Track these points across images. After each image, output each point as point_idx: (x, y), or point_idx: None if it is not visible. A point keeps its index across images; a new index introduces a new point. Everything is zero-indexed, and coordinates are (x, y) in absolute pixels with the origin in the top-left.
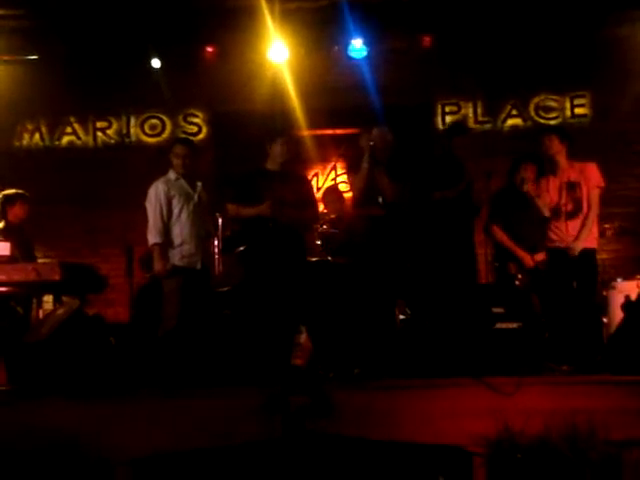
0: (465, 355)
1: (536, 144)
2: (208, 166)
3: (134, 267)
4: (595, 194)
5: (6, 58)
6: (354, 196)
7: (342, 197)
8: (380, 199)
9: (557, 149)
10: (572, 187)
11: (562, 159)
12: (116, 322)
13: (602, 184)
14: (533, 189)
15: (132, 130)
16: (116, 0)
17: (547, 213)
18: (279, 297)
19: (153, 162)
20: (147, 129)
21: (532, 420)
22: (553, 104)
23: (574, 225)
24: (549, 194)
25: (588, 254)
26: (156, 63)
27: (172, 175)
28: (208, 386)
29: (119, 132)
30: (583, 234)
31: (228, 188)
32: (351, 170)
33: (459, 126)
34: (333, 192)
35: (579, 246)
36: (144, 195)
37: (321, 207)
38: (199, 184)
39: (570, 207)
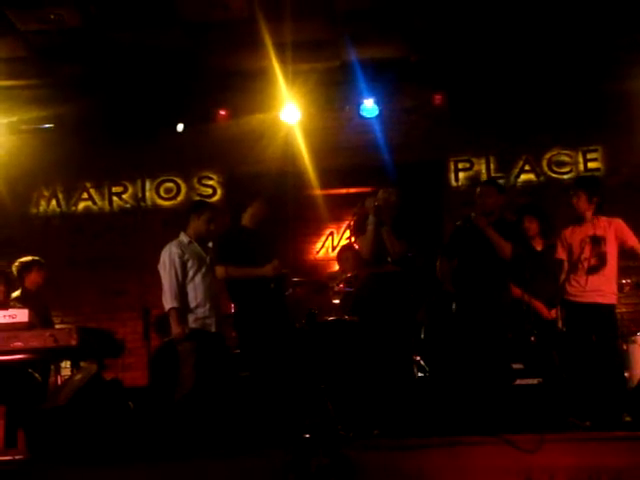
0: (486, 412)
1: (549, 199)
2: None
3: (151, 330)
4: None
5: (23, 128)
6: (363, 256)
7: (358, 255)
8: (389, 258)
9: (584, 207)
10: (597, 241)
11: (589, 214)
12: (134, 386)
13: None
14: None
15: (147, 194)
16: (129, 66)
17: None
18: (296, 357)
19: (169, 225)
20: (162, 192)
21: (556, 478)
22: (566, 159)
23: (593, 280)
24: (572, 246)
25: (608, 309)
26: (180, 127)
27: (185, 238)
28: (227, 449)
29: (135, 196)
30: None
31: (215, 249)
32: (358, 231)
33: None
34: (348, 250)
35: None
36: (160, 258)
37: (336, 266)
38: (210, 245)
39: (593, 262)
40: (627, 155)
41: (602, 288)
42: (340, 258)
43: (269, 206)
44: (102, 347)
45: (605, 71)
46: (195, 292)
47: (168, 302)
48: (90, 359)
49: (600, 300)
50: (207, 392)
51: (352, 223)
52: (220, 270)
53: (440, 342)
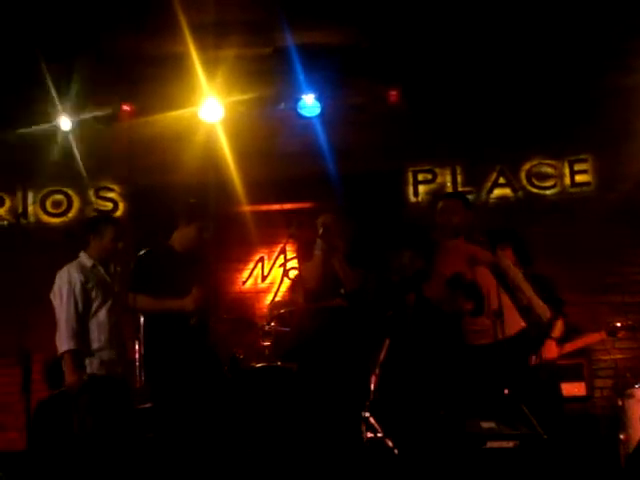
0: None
1: (527, 219)
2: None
3: (32, 380)
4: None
5: None
6: (308, 287)
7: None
8: (342, 290)
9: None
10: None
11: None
12: (8, 451)
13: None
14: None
15: (30, 209)
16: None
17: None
18: (217, 412)
19: (57, 247)
20: (49, 207)
21: None
22: (549, 170)
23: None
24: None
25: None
26: (65, 124)
27: (87, 261)
28: None
29: (13, 211)
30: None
31: (134, 274)
32: (302, 258)
33: None
34: (296, 282)
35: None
36: (46, 288)
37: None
38: (118, 269)
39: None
40: (623, 166)
41: None
42: (292, 287)
43: (203, 234)
44: None
45: (597, 64)
46: (98, 331)
47: (63, 343)
48: None
49: None
50: (109, 457)
51: (295, 247)
52: (131, 299)
53: (397, 396)
